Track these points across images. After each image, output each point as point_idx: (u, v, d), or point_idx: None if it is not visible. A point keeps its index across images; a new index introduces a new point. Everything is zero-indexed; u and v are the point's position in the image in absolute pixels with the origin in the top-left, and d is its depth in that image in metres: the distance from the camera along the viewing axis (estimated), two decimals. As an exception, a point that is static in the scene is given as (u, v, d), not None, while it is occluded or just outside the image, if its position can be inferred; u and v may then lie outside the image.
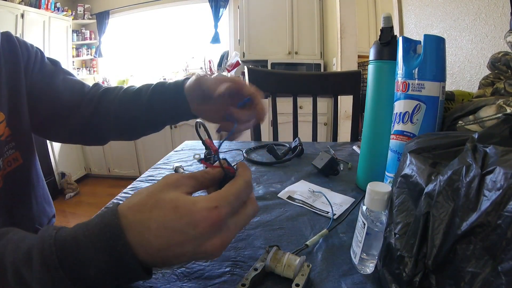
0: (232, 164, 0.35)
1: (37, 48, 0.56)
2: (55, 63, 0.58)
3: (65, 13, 3.29)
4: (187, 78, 0.51)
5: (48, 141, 2.78)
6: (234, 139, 0.46)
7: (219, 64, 3.27)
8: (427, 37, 0.39)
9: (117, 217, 0.26)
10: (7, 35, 0.51)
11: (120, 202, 0.30)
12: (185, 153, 0.83)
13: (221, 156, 0.41)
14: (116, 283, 0.27)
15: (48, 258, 0.24)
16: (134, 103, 0.54)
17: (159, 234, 0.26)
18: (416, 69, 0.40)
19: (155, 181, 0.62)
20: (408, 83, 0.41)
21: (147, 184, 0.61)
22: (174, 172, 0.67)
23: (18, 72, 0.51)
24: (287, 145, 0.83)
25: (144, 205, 0.27)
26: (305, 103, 2.39)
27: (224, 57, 3.28)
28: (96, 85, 0.61)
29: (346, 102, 2.17)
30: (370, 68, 0.51)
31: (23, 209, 0.54)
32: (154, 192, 0.28)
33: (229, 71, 3.20)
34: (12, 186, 0.49)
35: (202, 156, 0.69)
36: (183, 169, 0.67)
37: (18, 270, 0.24)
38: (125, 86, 0.59)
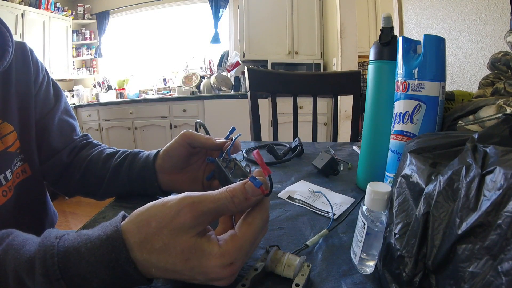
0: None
1: (46, 70, 0.57)
2: (57, 96, 0.58)
3: (65, 13, 3.30)
4: (160, 151, 0.49)
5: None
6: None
7: (219, 64, 3.27)
8: (427, 37, 0.39)
9: (120, 234, 0.26)
10: (21, 46, 0.52)
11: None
12: (185, 153, 0.82)
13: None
14: None
15: (50, 269, 0.24)
16: (103, 164, 0.51)
17: (166, 273, 0.26)
18: (416, 69, 0.40)
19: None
20: (408, 83, 0.41)
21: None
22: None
23: (28, 84, 0.52)
24: (287, 145, 0.83)
25: (152, 244, 0.25)
26: (305, 103, 2.39)
27: (224, 57, 3.28)
28: (85, 135, 0.60)
29: (346, 102, 2.17)
30: (370, 68, 0.51)
31: (32, 220, 0.55)
32: (163, 232, 0.25)
33: (229, 71, 3.20)
34: (22, 198, 0.50)
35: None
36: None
37: (21, 279, 0.24)
38: (107, 149, 0.56)
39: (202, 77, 3.32)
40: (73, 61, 3.55)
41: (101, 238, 0.25)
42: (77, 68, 3.65)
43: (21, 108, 0.50)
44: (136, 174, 0.48)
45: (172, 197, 0.27)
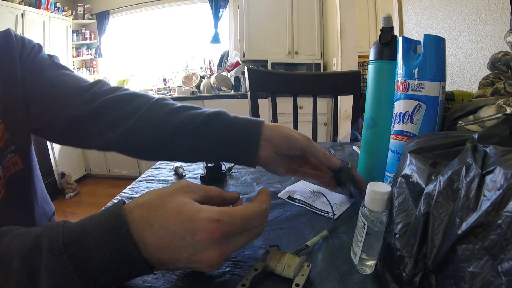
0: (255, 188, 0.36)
1: (37, 43, 0.52)
2: (51, 57, 0.52)
3: (65, 13, 3.30)
4: (264, 122, 0.46)
5: (48, 142, 2.78)
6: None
7: (219, 64, 3.27)
8: (427, 37, 0.39)
9: (123, 210, 0.27)
10: (5, 33, 0.48)
11: (125, 199, 0.31)
12: (185, 153, 0.82)
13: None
14: (117, 277, 0.27)
15: (55, 243, 0.25)
16: (163, 121, 0.46)
17: (159, 235, 0.27)
18: (416, 69, 0.40)
19: (155, 181, 0.62)
20: (408, 83, 0.41)
21: (147, 184, 0.61)
22: (174, 171, 0.68)
23: (14, 71, 0.47)
24: (287, 145, 0.83)
25: (151, 205, 0.28)
26: (305, 103, 2.39)
27: (224, 57, 3.28)
28: (100, 83, 0.52)
29: (346, 102, 2.17)
30: (370, 68, 0.51)
31: (26, 214, 0.53)
32: (163, 194, 0.29)
33: (229, 71, 3.20)
34: (13, 193, 0.48)
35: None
36: (182, 169, 0.68)
37: (27, 259, 0.25)
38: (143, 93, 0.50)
39: (202, 77, 3.32)
40: (73, 61, 3.55)
41: (104, 215, 0.27)
42: (77, 68, 3.65)
43: (6, 94, 0.46)
44: (228, 138, 0.44)
45: None
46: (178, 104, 0.48)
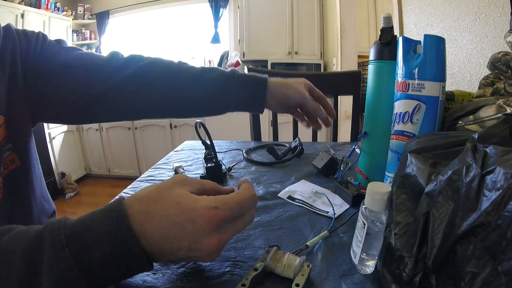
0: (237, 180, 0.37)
1: (39, 31, 0.52)
2: (59, 42, 0.54)
3: (65, 13, 3.30)
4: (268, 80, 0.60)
5: (48, 141, 2.78)
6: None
7: (219, 64, 3.27)
8: (427, 37, 0.39)
9: (123, 205, 0.28)
10: (6, 28, 0.48)
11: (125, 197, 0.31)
12: (185, 153, 0.82)
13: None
14: (118, 272, 0.27)
15: (56, 238, 0.25)
16: (193, 81, 0.57)
17: (159, 225, 0.27)
18: (416, 69, 0.40)
19: (155, 181, 0.62)
20: (408, 83, 0.41)
21: (147, 184, 0.61)
22: (174, 172, 0.68)
23: (16, 66, 0.48)
24: (287, 145, 0.83)
25: (150, 198, 0.29)
26: (305, 103, 2.39)
27: (224, 57, 3.28)
28: (116, 55, 0.55)
29: (346, 102, 2.17)
30: (370, 68, 0.51)
31: (23, 212, 0.53)
32: (161, 187, 0.30)
33: (229, 71, 3.20)
34: (11, 191, 0.48)
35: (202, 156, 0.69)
36: (183, 169, 0.68)
37: (29, 255, 0.25)
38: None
39: (202, 77, 3.31)
40: (73, 61, 3.54)
41: (105, 211, 0.28)
42: (77, 68, 3.65)
43: (10, 91, 0.46)
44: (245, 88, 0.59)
45: None
46: (198, 66, 0.60)
